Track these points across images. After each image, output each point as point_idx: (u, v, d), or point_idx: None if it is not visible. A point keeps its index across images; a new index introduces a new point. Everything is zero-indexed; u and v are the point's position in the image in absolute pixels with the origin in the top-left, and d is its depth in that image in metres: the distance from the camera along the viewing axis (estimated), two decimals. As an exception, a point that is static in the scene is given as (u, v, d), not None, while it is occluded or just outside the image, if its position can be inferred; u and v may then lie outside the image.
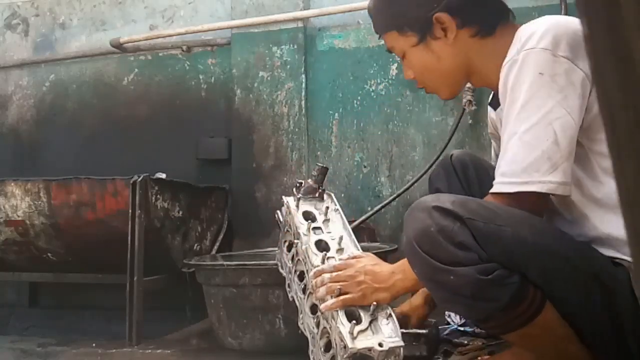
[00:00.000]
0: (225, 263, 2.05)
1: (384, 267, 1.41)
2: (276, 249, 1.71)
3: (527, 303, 1.14)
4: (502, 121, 1.31)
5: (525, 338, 1.20)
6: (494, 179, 1.26)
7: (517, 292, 1.13)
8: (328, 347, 1.36)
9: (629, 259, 1.10)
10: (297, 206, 1.59)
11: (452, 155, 1.69)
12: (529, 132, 1.18)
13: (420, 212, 1.17)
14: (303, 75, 2.75)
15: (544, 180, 1.16)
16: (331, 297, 1.36)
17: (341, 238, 1.51)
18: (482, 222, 1.15)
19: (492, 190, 1.24)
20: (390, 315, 1.36)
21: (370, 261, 1.43)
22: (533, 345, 1.22)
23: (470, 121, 2.53)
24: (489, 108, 1.55)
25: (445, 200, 1.17)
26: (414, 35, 1.39)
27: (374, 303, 1.35)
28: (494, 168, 1.64)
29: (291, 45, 2.76)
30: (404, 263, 1.35)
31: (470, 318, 1.52)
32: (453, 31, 1.36)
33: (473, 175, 1.64)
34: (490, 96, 1.53)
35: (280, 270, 1.65)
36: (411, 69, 1.45)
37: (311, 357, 1.42)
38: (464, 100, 2.46)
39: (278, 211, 1.68)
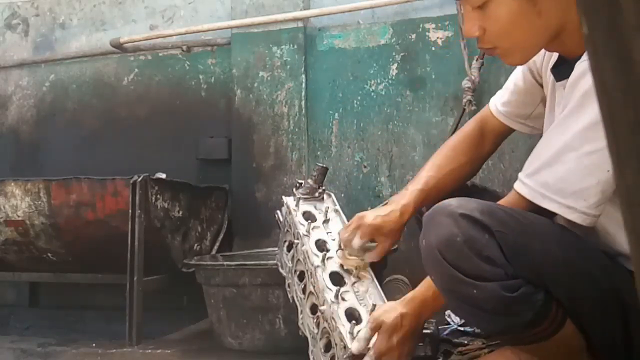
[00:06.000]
0: (225, 263, 2.05)
1: (398, 316, 1.29)
2: (276, 249, 1.71)
3: (549, 321, 1.12)
4: (549, 100, 1.25)
5: (540, 349, 1.17)
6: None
7: (540, 310, 1.10)
8: (328, 347, 1.36)
9: None
10: (297, 206, 1.59)
11: None
12: (591, 156, 1.08)
13: (446, 218, 1.11)
14: (303, 75, 2.75)
15: (587, 212, 1.10)
16: None
17: (341, 238, 1.51)
18: (511, 235, 1.10)
19: (521, 192, 1.16)
20: (390, 315, 1.36)
21: (393, 323, 1.28)
22: (545, 356, 1.19)
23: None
24: (550, 72, 1.27)
25: (473, 207, 1.11)
26: None
27: (374, 303, 1.35)
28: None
29: (291, 45, 2.76)
30: (407, 298, 1.32)
31: (486, 331, 1.44)
32: None
33: None
34: (555, 59, 1.25)
35: (280, 270, 1.64)
36: (490, 22, 1.14)
37: (311, 357, 1.42)
38: (464, 100, 2.45)
39: (278, 211, 1.68)
